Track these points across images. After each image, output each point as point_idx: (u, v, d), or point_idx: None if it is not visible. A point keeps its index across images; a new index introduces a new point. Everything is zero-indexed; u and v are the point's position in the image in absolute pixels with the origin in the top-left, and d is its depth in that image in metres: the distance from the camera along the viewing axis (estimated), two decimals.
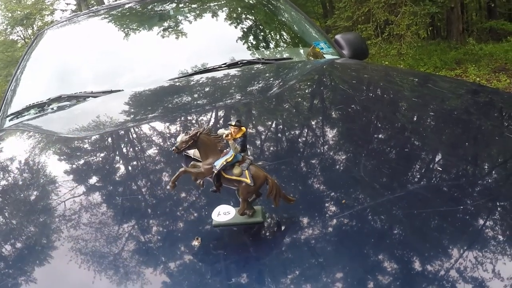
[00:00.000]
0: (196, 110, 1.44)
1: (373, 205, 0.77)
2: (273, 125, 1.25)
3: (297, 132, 1.19)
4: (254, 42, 2.43)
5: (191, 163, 0.78)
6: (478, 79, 9.73)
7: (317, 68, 1.94)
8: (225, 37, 2.39)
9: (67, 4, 26.22)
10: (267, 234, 0.73)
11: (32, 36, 25.92)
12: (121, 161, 1.17)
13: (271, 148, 1.09)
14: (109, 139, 1.34)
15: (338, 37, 2.62)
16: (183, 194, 0.88)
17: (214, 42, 2.33)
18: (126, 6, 2.76)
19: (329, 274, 0.63)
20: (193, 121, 1.33)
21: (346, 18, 12.47)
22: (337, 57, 2.28)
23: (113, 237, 0.80)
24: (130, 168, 1.11)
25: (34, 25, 26.34)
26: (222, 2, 2.76)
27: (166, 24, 2.46)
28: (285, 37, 2.65)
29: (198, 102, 1.57)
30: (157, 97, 1.75)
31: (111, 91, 1.88)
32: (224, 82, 1.80)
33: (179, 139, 0.74)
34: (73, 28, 2.69)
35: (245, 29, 2.49)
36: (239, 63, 1.94)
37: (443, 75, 9.28)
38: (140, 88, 1.82)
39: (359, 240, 0.70)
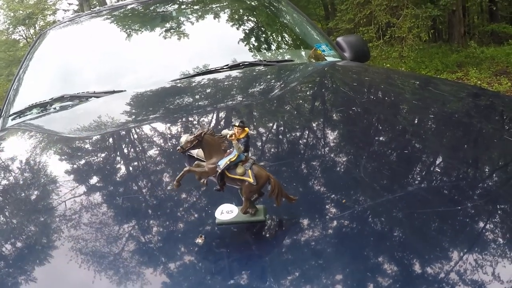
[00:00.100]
0: (198, 111, 1.44)
1: (373, 206, 0.78)
2: (275, 127, 1.25)
3: (298, 133, 1.20)
4: (256, 44, 2.44)
5: (195, 162, 0.79)
6: (479, 82, 9.73)
7: (318, 70, 1.94)
8: (227, 39, 2.40)
9: (69, 4, 26.24)
10: (269, 232, 0.74)
11: (34, 36, 25.96)
12: (125, 161, 1.17)
13: (273, 149, 1.10)
14: (112, 140, 1.34)
15: (339, 39, 2.62)
16: (187, 194, 0.89)
17: (216, 44, 2.33)
18: (129, 7, 2.76)
19: (330, 271, 0.64)
20: (195, 122, 1.33)
21: (347, 21, 12.49)
22: (338, 59, 2.28)
23: (120, 235, 0.81)
24: (134, 168, 1.12)
25: (36, 25, 26.36)
26: (224, 3, 2.77)
27: (168, 25, 2.47)
28: (286, 39, 2.65)
29: (201, 103, 1.57)
30: (159, 98, 1.75)
31: (113, 92, 1.89)
32: (226, 83, 1.80)
33: (183, 139, 0.75)
34: (76, 29, 2.69)
35: (247, 31, 2.50)
36: (241, 64, 1.95)
37: (444, 78, 9.28)
38: (143, 88, 1.83)
39: (360, 239, 0.71)
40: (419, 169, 0.93)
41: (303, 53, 2.37)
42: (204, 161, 0.78)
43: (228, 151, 0.75)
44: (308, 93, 1.61)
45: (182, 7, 2.69)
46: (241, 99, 1.57)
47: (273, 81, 1.79)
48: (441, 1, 11.28)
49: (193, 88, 1.75)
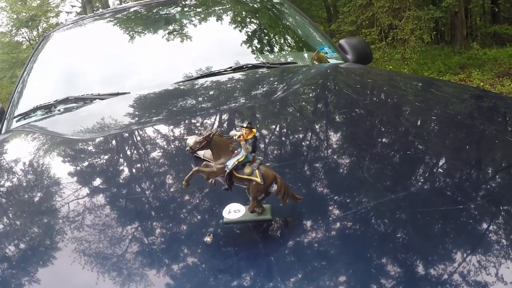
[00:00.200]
0: (203, 114, 1.45)
1: (377, 205, 0.80)
2: (280, 129, 1.26)
3: (302, 135, 1.21)
4: (258, 46, 2.44)
5: (203, 163, 0.80)
6: (482, 83, 9.71)
7: (321, 73, 1.95)
8: (230, 41, 2.40)
9: (72, 6, 26.29)
10: (276, 231, 0.76)
11: (37, 38, 26.00)
12: (131, 163, 1.18)
13: (278, 150, 1.11)
14: (117, 141, 1.35)
15: (342, 41, 2.63)
16: (195, 194, 0.90)
17: (219, 46, 2.34)
18: (131, 9, 2.77)
19: (335, 269, 0.65)
20: (199, 125, 1.34)
21: (350, 23, 12.48)
22: (341, 61, 2.29)
23: (130, 235, 0.82)
24: (142, 169, 1.13)
25: (39, 27, 26.41)
26: (227, 6, 2.77)
27: (171, 27, 2.47)
28: (289, 41, 2.66)
29: (205, 105, 1.58)
30: (164, 100, 1.76)
31: (118, 94, 1.89)
32: (229, 85, 1.81)
33: (190, 140, 0.77)
34: (79, 31, 2.70)
35: (249, 33, 2.50)
36: (244, 67, 1.95)
37: (447, 80, 9.27)
38: (147, 91, 1.83)
39: (364, 238, 0.72)
40: (422, 170, 0.94)
41: (305, 55, 2.38)
42: (211, 162, 0.79)
43: (236, 151, 0.76)
44: (311, 95, 1.62)
45: (185, 9, 2.70)
46: (245, 101, 1.58)
47: (276, 83, 1.80)
48: (443, 3, 11.26)
49: (197, 90, 1.76)
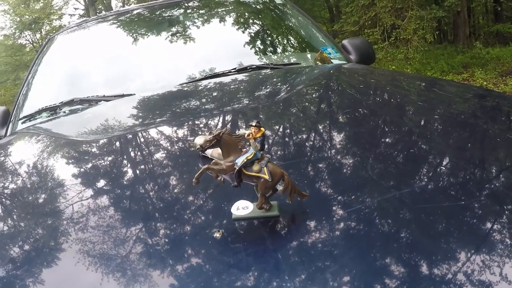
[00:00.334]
0: (208, 115, 1.45)
1: (382, 201, 0.81)
2: (285, 128, 1.27)
3: (307, 134, 1.22)
4: (262, 47, 2.45)
5: (213, 161, 0.82)
6: (485, 83, 9.69)
7: (324, 73, 1.96)
8: (233, 43, 2.41)
9: (75, 9, 26.35)
10: (283, 227, 0.77)
11: (40, 40, 26.06)
12: (139, 163, 1.19)
13: (284, 150, 1.12)
14: (124, 142, 1.36)
15: (345, 42, 2.63)
16: (204, 192, 0.92)
17: (222, 48, 2.35)
18: (134, 12, 2.79)
19: (340, 262, 0.67)
20: (203, 125, 1.34)
21: (352, 23, 12.46)
22: (344, 62, 2.29)
23: (140, 232, 0.83)
24: (150, 168, 1.13)
25: (42, 30, 26.47)
26: (230, 7, 2.78)
27: (174, 29, 2.48)
28: (292, 42, 2.66)
29: (210, 106, 1.58)
30: (169, 101, 1.76)
31: (123, 95, 1.90)
32: (233, 87, 1.81)
33: (199, 140, 0.79)
34: (83, 34, 2.71)
35: (252, 35, 2.51)
36: (248, 68, 1.96)
37: (450, 80, 9.25)
38: (152, 92, 1.84)
39: (370, 233, 0.73)
40: (427, 170, 0.95)
41: (309, 56, 2.39)
42: (220, 160, 0.81)
43: (244, 149, 0.78)
44: (315, 95, 1.63)
45: (188, 11, 2.71)
46: (249, 102, 1.58)
47: (280, 84, 1.81)
48: (446, 2, 11.24)
49: (202, 92, 1.77)
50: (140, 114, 1.68)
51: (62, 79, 2.37)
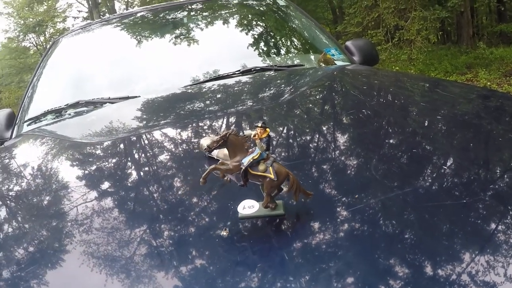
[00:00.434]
0: (213, 116, 1.46)
1: (386, 200, 0.82)
2: (289, 130, 1.28)
3: (311, 135, 1.23)
4: (265, 49, 2.46)
5: (219, 161, 0.84)
6: (489, 83, 9.68)
7: (328, 75, 1.96)
8: (237, 45, 2.42)
9: (79, 11, 26.44)
10: (288, 225, 0.78)
11: (44, 43, 26.14)
12: (145, 164, 1.19)
13: (287, 151, 1.13)
14: (130, 144, 1.36)
15: (348, 43, 2.64)
16: (211, 191, 0.93)
17: (226, 50, 2.35)
18: (138, 14, 2.80)
19: (345, 260, 0.68)
20: (207, 127, 1.35)
21: (356, 24, 12.48)
22: (347, 63, 2.30)
23: (148, 231, 0.84)
24: (157, 169, 1.14)
25: (46, 32, 26.56)
26: (234, 9, 2.79)
27: (178, 32, 2.49)
28: (296, 43, 2.67)
29: (215, 108, 1.59)
30: (174, 103, 1.77)
31: (128, 97, 1.91)
32: (238, 88, 1.82)
33: (204, 142, 0.80)
34: (87, 36, 2.72)
35: (256, 36, 2.52)
36: (252, 70, 1.97)
37: (453, 80, 9.24)
38: (157, 94, 1.85)
39: (374, 231, 0.75)
40: (431, 170, 0.95)
41: (312, 57, 2.39)
42: (226, 160, 0.82)
43: (250, 150, 0.79)
44: (319, 97, 1.63)
45: (192, 14, 2.72)
46: (254, 103, 1.59)
47: (284, 85, 1.81)
48: (449, 3, 11.24)
49: (206, 94, 1.77)
50: (145, 116, 1.68)
51: (67, 81, 2.38)
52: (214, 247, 0.76)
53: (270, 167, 0.76)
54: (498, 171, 0.95)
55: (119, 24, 2.73)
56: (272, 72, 1.95)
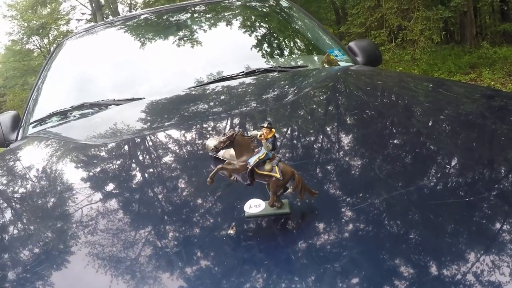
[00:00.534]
0: (218, 118, 1.46)
1: (388, 199, 0.83)
2: (294, 130, 1.28)
3: (316, 136, 1.23)
4: (269, 50, 2.46)
5: (226, 162, 0.85)
6: (492, 83, 9.67)
7: (332, 75, 1.96)
8: (241, 46, 2.42)
9: (82, 14, 26.49)
10: (294, 223, 0.80)
11: (48, 46, 26.21)
12: (152, 164, 1.20)
13: (292, 151, 1.13)
14: (133, 146, 1.36)
15: (351, 44, 2.64)
16: (218, 191, 0.95)
17: (230, 51, 2.36)
18: (142, 17, 2.81)
19: (349, 257, 0.69)
20: (211, 129, 1.35)
21: (359, 25, 12.47)
22: (351, 64, 2.30)
23: (156, 231, 0.86)
24: (162, 171, 1.15)
25: (49, 35, 26.63)
26: (237, 11, 2.80)
27: (182, 33, 2.50)
28: (299, 45, 2.67)
29: (220, 109, 1.59)
30: (179, 105, 1.77)
31: (132, 99, 1.91)
32: (242, 90, 1.82)
33: (210, 142, 0.81)
34: (91, 39, 2.73)
35: (259, 38, 2.52)
36: (256, 71, 1.97)
37: (457, 80, 9.22)
38: (162, 96, 1.85)
39: (379, 229, 0.76)
40: (435, 169, 0.96)
41: (316, 58, 2.39)
42: (233, 160, 0.84)
43: (256, 150, 0.80)
44: (322, 98, 1.64)
45: (195, 15, 2.73)
46: (258, 105, 1.59)
47: (288, 86, 1.82)
48: (452, 2, 11.22)
49: (210, 95, 1.78)
50: (150, 118, 1.69)
51: (71, 83, 2.39)
52: (222, 246, 0.77)
53: (276, 167, 0.78)
54: (502, 170, 0.95)
55: (123, 26, 2.74)
56: (275, 73, 1.95)
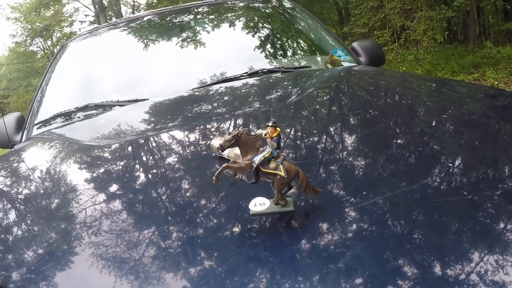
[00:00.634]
0: (222, 118, 1.47)
1: (391, 197, 0.84)
2: (298, 130, 1.29)
3: (319, 135, 1.24)
4: (272, 51, 2.47)
5: (231, 160, 0.86)
6: (496, 82, 9.64)
7: (335, 76, 1.96)
8: (244, 47, 2.43)
9: (86, 15, 26.54)
10: (298, 221, 0.81)
11: (51, 47, 26.26)
12: (155, 166, 1.21)
13: (297, 151, 1.14)
14: (138, 147, 1.37)
15: (354, 44, 2.64)
16: (223, 190, 0.96)
17: (233, 52, 2.36)
18: (145, 18, 2.81)
19: (353, 254, 0.70)
20: (214, 130, 1.36)
21: (362, 25, 12.45)
22: (354, 64, 2.30)
23: (162, 228, 0.87)
24: (167, 171, 1.15)
25: (53, 36, 26.68)
26: (240, 12, 2.80)
27: (185, 35, 2.50)
28: (302, 45, 2.68)
29: (224, 110, 1.60)
30: (182, 106, 1.78)
31: (136, 100, 1.92)
32: (246, 91, 1.83)
33: (217, 142, 0.82)
34: (95, 40, 2.74)
35: (263, 39, 2.53)
36: (259, 72, 1.98)
37: (461, 80, 9.20)
38: (165, 97, 1.86)
39: (382, 226, 0.77)
40: (439, 169, 0.96)
41: (319, 59, 2.40)
42: (238, 159, 0.85)
43: (261, 148, 0.81)
44: (326, 98, 1.64)
45: (198, 17, 2.73)
46: (262, 105, 1.60)
47: (291, 87, 1.82)
48: (455, 2, 11.19)
49: (214, 96, 1.78)
50: (154, 119, 1.69)
51: (75, 85, 2.39)
52: (227, 243, 0.78)
53: (281, 165, 0.79)
54: (506, 169, 0.95)
55: (126, 28, 2.74)
56: (279, 74, 1.95)
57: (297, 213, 0.81)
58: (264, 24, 2.71)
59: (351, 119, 1.34)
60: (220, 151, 0.90)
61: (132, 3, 25.05)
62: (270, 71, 2.00)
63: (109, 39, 2.72)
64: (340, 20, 19.50)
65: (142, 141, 1.41)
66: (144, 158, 1.28)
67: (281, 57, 2.41)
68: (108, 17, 22.79)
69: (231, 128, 1.34)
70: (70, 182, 1.21)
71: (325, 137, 1.22)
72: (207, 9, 2.80)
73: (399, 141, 1.17)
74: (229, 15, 2.75)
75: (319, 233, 0.76)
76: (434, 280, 0.64)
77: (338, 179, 0.96)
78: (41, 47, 28.15)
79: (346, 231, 0.76)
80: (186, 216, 0.90)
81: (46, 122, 2.05)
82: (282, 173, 0.78)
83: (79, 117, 1.96)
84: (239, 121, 1.40)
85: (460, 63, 11.80)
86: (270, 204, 0.80)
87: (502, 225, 0.74)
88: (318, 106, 1.53)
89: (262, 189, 0.83)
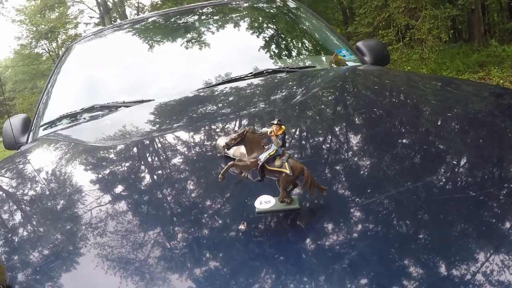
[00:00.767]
0: (227, 119, 1.47)
1: (395, 195, 0.84)
2: (303, 129, 1.29)
3: (325, 134, 1.24)
4: (276, 51, 2.47)
5: (237, 158, 0.87)
6: (501, 81, 9.61)
7: (340, 76, 1.96)
8: (249, 47, 2.43)
9: (91, 17, 26.62)
10: (304, 219, 0.81)
11: (56, 49, 26.36)
12: (161, 166, 1.21)
13: (302, 149, 1.14)
14: (144, 148, 1.37)
15: (359, 44, 2.64)
16: (229, 189, 0.96)
17: (238, 52, 2.37)
18: (150, 19, 2.82)
19: (359, 251, 0.70)
20: (219, 130, 1.36)
21: (366, 24, 12.44)
22: (359, 64, 2.29)
23: (168, 227, 0.88)
24: (173, 171, 1.16)
25: (58, 39, 26.79)
26: (244, 13, 2.80)
27: (190, 35, 2.51)
28: (307, 45, 2.68)
29: (229, 110, 1.60)
30: (188, 107, 1.78)
31: (142, 101, 1.93)
32: (251, 91, 1.83)
33: (222, 141, 0.83)
34: (100, 42, 2.75)
35: (267, 39, 2.53)
36: (264, 72, 1.98)
37: (466, 79, 9.17)
38: (171, 98, 1.86)
39: (387, 224, 0.77)
40: (444, 167, 0.96)
41: (324, 58, 2.39)
42: (243, 157, 0.86)
43: (267, 146, 0.82)
44: (331, 98, 1.64)
45: (203, 17, 2.74)
46: (267, 105, 1.60)
47: (296, 87, 1.82)
48: (460, 1, 11.17)
49: (219, 97, 1.78)
50: (160, 120, 1.70)
51: (81, 86, 2.40)
52: (233, 241, 0.78)
53: (286, 163, 0.79)
54: (511, 168, 0.95)
55: (131, 29, 2.75)
56: (284, 74, 1.95)
57: (303, 211, 0.81)
58: (269, 24, 2.71)
59: (356, 119, 1.34)
60: (225, 149, 0.91)
61: (136, 5, 25.12)
62: (275, 71, 2.00)
63: (114, 41, 2.72)
64: (344, 19, 19.51)
65: (148, 142, 1.41)
66: (150, 159, 1.28)
67: (285, 57, 2.41)
68: (112, 19, 22.85)
69: (236, 128, 1.34)
70: (76, 183, 1.21)
71: (330, 136, 1.22)
72: (212, 10, 2.80)
73: (404, 140, 1.17)
74: (233, 15, 2.75)
75: (324, 231, 0.76)
76: (440, 279, 0.64)
77: (344, 177, 0.96)
78: (46, 49, 28.29)
79: (352, 229, 0.76)
80: (192, 215, 0.90)
81: (52, 124, 2.06)
82: (288, 171, 0.78)
83: (84, 118, 1.96)
84: (244, 121, 1.40)
85: (465, 62, 11.77)
86: (276, 202, 0.80)
87: (508, 223, 0.74)
88: (323, 106, 1.53)
89: (268, 187, 0.83)
